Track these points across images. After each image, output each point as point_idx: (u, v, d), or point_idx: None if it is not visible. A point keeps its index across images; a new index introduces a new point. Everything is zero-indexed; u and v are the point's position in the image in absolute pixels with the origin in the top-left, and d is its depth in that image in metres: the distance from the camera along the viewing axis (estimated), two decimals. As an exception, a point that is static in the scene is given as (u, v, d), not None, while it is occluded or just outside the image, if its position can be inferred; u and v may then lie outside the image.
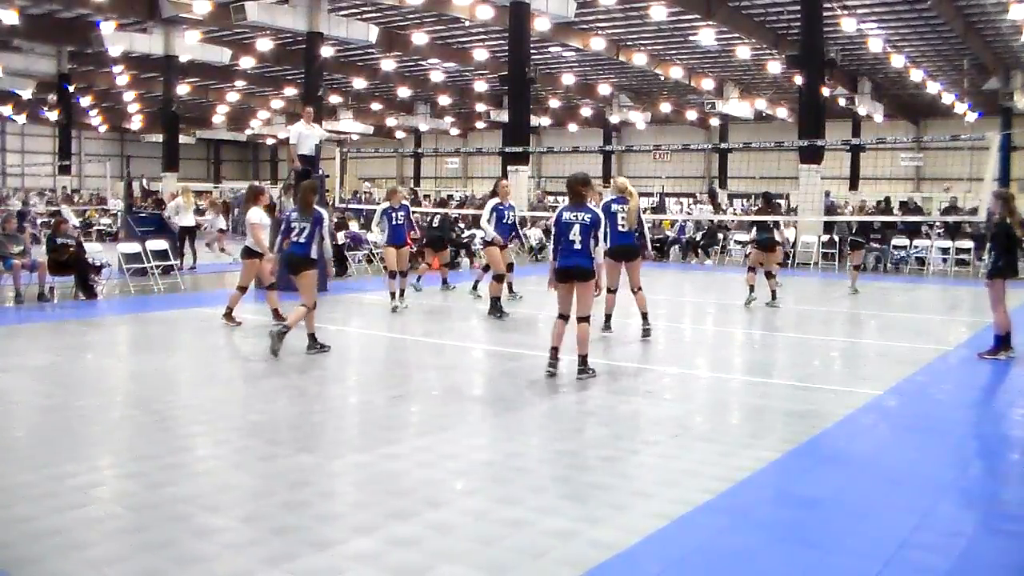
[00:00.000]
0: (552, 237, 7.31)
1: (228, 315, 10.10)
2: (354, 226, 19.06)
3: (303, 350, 8.43)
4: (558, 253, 7.23)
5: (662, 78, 34.39)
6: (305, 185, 8.87)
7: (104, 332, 10.13)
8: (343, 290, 12.57)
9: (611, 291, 9.57)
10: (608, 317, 9.74)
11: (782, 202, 35.96)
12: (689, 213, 31.94)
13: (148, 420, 5.88)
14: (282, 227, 8.69)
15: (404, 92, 39.16)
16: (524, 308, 12.20)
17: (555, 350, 7.33)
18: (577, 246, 7.14)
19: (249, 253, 10.13)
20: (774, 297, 12.59)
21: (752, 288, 12.71)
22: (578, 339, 7.34)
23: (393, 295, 11.68)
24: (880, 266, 20.23)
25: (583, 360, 7.34)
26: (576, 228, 7.13)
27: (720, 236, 23.30)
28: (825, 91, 23.03)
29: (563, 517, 4.14)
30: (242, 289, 10.21)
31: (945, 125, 35.04)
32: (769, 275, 12.68)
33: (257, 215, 10.08)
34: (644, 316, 9.61)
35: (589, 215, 7.23)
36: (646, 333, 9.55)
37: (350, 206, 19.93)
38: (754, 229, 13.26)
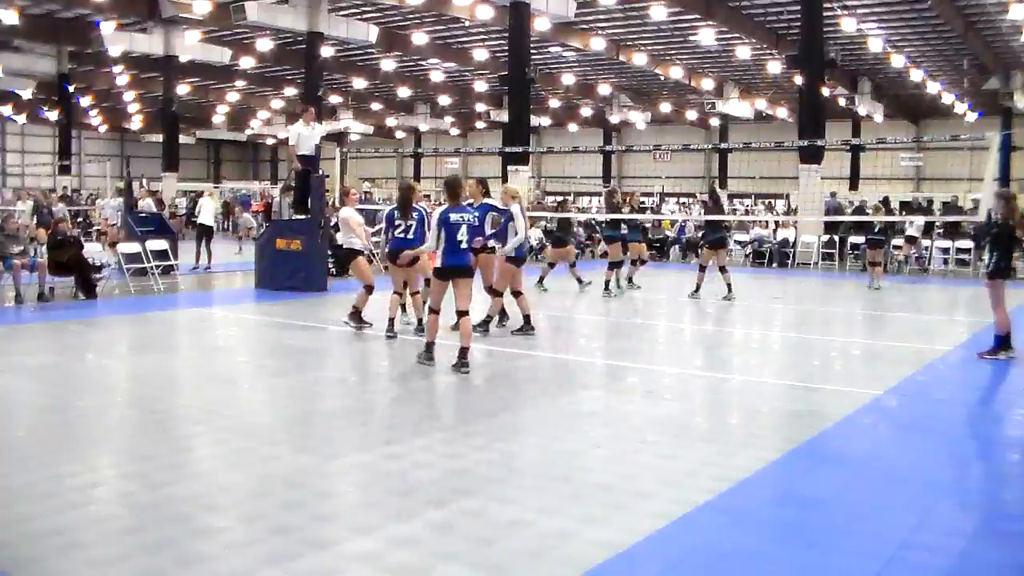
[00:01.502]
0: (437, 236, 7.49)
1: (356, 317, 9.73)
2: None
3: (304, 349, 8.42)
4: (445, 251, 7.46)
5: (662, 78, 34.37)
6: (403, 185, 9.36)
7: (104, 332, 10.13)
8: (343, 290, 12.56)
9: (499, 294, 9.57)
10: (491, 319, 9.68)
11: (779, 201, 36.26)
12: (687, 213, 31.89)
13: (148, 420, 5.87)
14: (384, 224, 9.01)
15: (404, 92, 39.15)
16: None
17: (432, 345, 7.65)
18: (464, 245, 7.49)
19: (353, 252, 9.98)
20: (730, 290, 13.28)
21: (698, 287, 13.54)
22: (463, 332, 7.56)
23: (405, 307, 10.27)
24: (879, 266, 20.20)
25: (465, 352, 7.48)
26: (464, 228, 7.46)
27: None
28: (825, 91, 23.04)
29: (563, 517, 4.14)
30: (369, 288, 9.78)
31: (945, 125, 35.02)
32: (723, 270, 13.52)
33: (349, 212, 10.16)
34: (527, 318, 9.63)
35: (475, 215, 7.70)
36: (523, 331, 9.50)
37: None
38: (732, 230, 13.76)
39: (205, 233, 17.59)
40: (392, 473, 4.78)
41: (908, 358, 8.67)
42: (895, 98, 35.55)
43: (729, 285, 13.30)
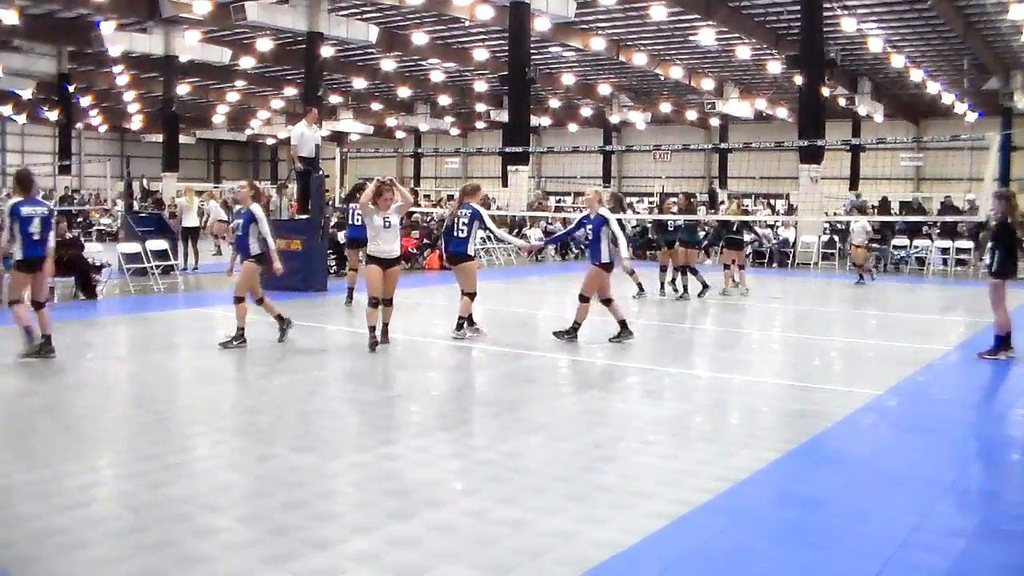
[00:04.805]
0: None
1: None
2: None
3: (304, 350, 8.42)
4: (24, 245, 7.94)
5: (662, 78, 34.39)
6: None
7: (104, 332, 10.13)
8: (343, 290, 12.56)
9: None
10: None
11: (774, 201, 36.20)
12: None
13: (148, 420, 5.87)
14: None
15: (404, 92, 39.16)
16: (522, 309, 12.20)
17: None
18: (37, 238, 8.17)
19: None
20: (699, 289, 13.79)
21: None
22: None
23: (469, 321, 9.46)
24: (880, 266, 20.21)
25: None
26: (36, 221, 8.04)
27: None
28: (825, 91, 23.04)
29: (563, 517, 4.14)
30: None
31: (945, 125, 35.02)
32: (694, 271, 13.89)
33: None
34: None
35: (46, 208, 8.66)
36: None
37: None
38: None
39: (189, 234, 16.95)
40: (392, 473, 4.78)
41: (908, 358, 8.66)
42: (895, 98, 35.55)
43: (685, 287, 13.83)
